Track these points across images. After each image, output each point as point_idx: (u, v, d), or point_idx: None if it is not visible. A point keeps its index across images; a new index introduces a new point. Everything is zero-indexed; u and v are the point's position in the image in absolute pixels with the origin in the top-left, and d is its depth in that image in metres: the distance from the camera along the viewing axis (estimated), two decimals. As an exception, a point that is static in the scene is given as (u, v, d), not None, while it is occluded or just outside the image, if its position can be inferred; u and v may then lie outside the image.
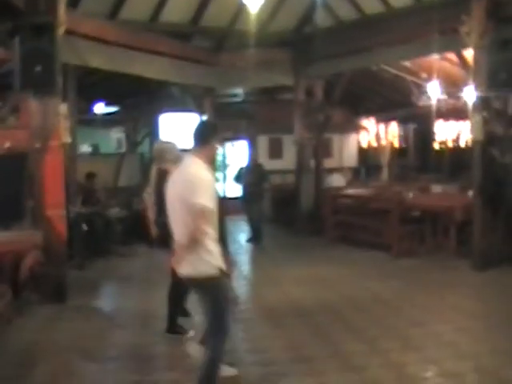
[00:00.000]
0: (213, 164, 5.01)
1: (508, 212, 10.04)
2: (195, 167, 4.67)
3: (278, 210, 16.11)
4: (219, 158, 18.36)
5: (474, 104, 10.05)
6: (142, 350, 6.34)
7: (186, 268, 4.67)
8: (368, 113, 19.26)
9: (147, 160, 14.60)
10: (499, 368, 5.61)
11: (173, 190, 4.76)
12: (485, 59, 9.51)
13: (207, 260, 4.59)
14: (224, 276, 4.71)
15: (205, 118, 14.74)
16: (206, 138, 4.81)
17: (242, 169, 14.28)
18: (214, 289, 4.69)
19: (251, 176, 13.57)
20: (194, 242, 4.53)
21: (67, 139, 9.28)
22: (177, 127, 17.14)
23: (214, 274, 4.60)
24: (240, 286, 9.71)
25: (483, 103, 9.77)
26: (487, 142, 9.84)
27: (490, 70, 9.39)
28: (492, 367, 5.65)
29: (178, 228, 4.70)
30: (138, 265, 11.17)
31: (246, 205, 13.97)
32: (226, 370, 5.26)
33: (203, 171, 4.65)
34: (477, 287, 9.11)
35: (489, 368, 5.64)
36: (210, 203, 4.51)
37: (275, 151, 18.08)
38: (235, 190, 17.79)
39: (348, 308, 7.93)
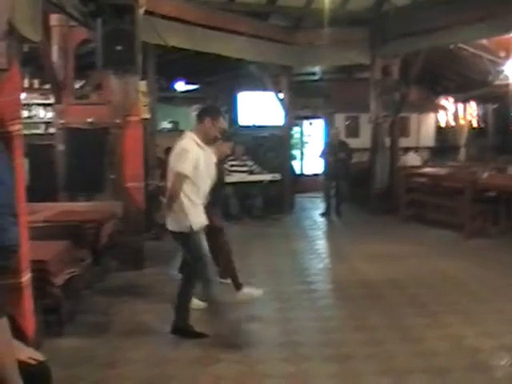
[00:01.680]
0: (211, 140, 5.83)
1: None
2: (186, 141, 5.61)
3: (353, 187, 16.24)
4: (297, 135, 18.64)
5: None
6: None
7: (168, 223, 5.66)
8: (446, 92, 19.06)
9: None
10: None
11: (170, 157, 5.69)
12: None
13: (181, 219, 5.49)
14: (198, 232, 5.56)
15: (282, 96, 14.98)
16: (201, 118, 5.71)
17: (326, 145, 14.74)
18: (188, 241, 5.60)
19: (336, 153, 13.98)
20: (170, 201, 5.50)
21: (146, 115, 9.71)
22: (254, 105, 17.45)
23: (187, 230, 5.50)
24: (310, 259, 10.02)
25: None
26: None
27: None
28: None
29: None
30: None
31: (327, 181, 14.37)
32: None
33: (192, 144, 5.55)
34: (547, 268, 9.07)
35: (546, 344, 5.73)
36: (189, 171, 5.42)
37: (352, 130, 18.18)
38: (313, 167, 18.04)
39: (414, 284, 8.07)
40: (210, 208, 6.11)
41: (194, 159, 5.47)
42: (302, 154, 19.31)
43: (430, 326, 6.28)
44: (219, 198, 7.80)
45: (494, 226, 11.31)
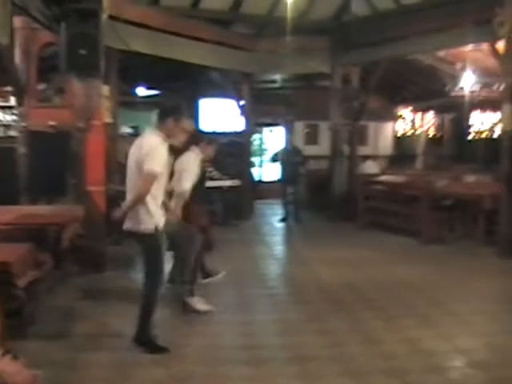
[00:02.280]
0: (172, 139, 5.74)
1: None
2: (153, 139, 5.50)
3: (312, 194, 16.43)
4: (257, 142, 18.78)
5: (504, 94, 10.24)
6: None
7: (128, 223, 5.54)
8: (404, 101, 19.40)
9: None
10: (508, 347, 5.89)
11: (132, 156, 5.59)
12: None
13: (145, 219, 5.42)
14: (160, 233, 5.50)
15: (242, 103, 15.09)
16: (163, 117, 5.62)
17: (280, 151, 14.99)
18: (149, 243, 5.51)
19: (289, 158, 14.24)
20: (139, 201, 5.38)
21: (109, 119, 9.71)
22: (215, 112, 17.51)
23: (150, 231, 5.43)
24: (270, 264, 10.15)
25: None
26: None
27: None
28: (503, 346, 5.93)
29: (130, 189, 5.57)
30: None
31: (284, 187, 14.61)
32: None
33: (159, 142, 5.47)
34: (500, 274, 9.31)
35: (499, 346, 5.92)
36: (160, 170, 5.38)
37: (311, 137, 18.38)
38: (271, 174, 18.20)
39: (372, 289, 8.23)
40: (197, 207, 6.50)
41: (162, 157, 5.44)
42: (261, 161, 19.44)
43: (388, 329, 6.43)
44: (204, 198, 8.04)
45: (449, 233, 11.57)
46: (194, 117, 17.03)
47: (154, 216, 5.45)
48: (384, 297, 7.78)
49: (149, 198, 5.41)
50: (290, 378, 5.11)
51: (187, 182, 6.95)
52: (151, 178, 5.35)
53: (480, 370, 5.29)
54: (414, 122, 20.05)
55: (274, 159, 14.89)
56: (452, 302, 7.52)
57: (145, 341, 5.62)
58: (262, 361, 5.50)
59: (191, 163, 7.24)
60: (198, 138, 7.20)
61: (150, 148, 5.39)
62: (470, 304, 7.45)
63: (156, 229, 5.46)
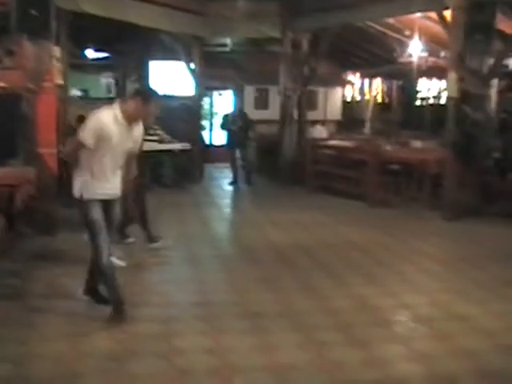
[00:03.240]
0: (136, 119, 5.48)
1: (478, 166, 10.59)
2: (102, 111, 5.36)
3: (262, 159, 16.59)
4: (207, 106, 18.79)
5: (450, 62, 10.51)
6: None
7: None
8: (353, 67, 19.61)
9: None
10: (450, 303, 6.19)
11: None
12: (462, 20, 9.96)
13: (75, 184, 5.47)
14: (89, 202, 5.43)
15: (192, 67, 15.09)
16: (133, 95, 5.48)
17: (226, 116, 15.01)
18: (78, 208, 5.52)
19: (237, 123, 14.34)
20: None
21: (60, 81, 9.65)
22: (165, 75, 17.43)
23: (77, 197, 5.46)
24: (220, 226, 10.33)
25: (459, 62, 10.21)
26: (461, 99, 10.30)
27: (467, 30, 9.88)
28: (444, 302, 6.23)
29: None
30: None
31: (231, 151, 14.73)
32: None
33: (106, 117, 5.32)
34: (444, 236, 9.65)
35: (441, 303, 6.22)
36: (88, 140, 5.25)
37: (261, 102, 18.49)
38: (221, 138, 18.28)
39: (320, 248, 8.49)
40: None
41: (100, 131, 5.26)
42: (211, 124, 19.47)
43: (336, 287, 6.68)
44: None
45: (396, 197, 11.87)
46: (144, 79, 16.96)
47: (81, 185, 5.42)
48: (332, 257, 8.03)
49: (82, 167, 5.41)
50: (240, 333, 5.29)
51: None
52: (76, 144, 5.35)
53: (423, 324, 5.58)
54: (362, 88, 20.31)
55: (223, 126, 14.96)
56: (398, 262, 7.82)
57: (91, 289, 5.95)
58: (213, 317, 5.68)
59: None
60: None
61: (91, 118, 5.32)
62: (414, 264, 7.76)
63: (81, 197, 5.42)
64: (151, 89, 5.91)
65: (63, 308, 5.83)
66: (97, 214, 5.48)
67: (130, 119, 5.41)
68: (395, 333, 5.42)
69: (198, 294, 6.41)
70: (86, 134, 5.26)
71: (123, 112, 5.38)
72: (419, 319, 5.71)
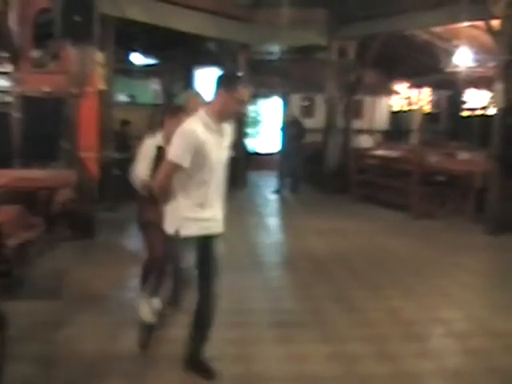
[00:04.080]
0: (229, 117, 4.48)
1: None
2: (190, 120, 4.31)
3: (307, 167, 16.53)
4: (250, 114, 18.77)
5: (498, 72, 10.29)
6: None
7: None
8: (401, 77, 19.39)
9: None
10: (487, 319, 6.02)
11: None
12: (510, 29, 9.77)
13: (167, 219, 4.43)
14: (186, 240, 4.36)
15: (239, 73, 15.10)
16: (217, 90, 4.38)
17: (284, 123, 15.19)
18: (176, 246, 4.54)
19: (291, 130, 14.42)
20: (158, 194, 4.37)
21: (103, 86, 9.76)
22: (211, 82, 17.49)
23: (171, 234, 4.39)
24: (262, 233, 10.31)
25: (506, 72, 10.00)
26: (508, 110, 10.08)
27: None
28: (481, 317, 6.07)
29: None
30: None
31: (283, 158, 14.77)
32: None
33: (194, 125, 4.24)
34: (486, 250, 9.44)
35: (478, 318, 6.05)
36: (183, 159, 4.16)
37: (307, 110, 18.44)
38: (267, 146, 18.29)
39: (360, 258, 8.40)
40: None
41: (194, 143, 4.16)
42: (257, 132, 19.49)
43: (371, 298, 6.57)
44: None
45: (439, 208, 11.67)
46: (191, 86, 17.07)
47: (178, 220, 4.34)
48: (371, 267, 7.92)
49: (177, 195, 4.33)
50: (271, 342, 5.26)
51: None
52: (168, 166, 4.23)
53: (457, 340, 5.44)
54: (409, 98, 20.08)
55: (282, 129, 15.16)
56: (436, 275, 7.65)
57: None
58: (247, 324, 5.66)
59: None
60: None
61: (179, 131, 4.24)
62: (452, 278, 7.58)
63: (177, 234, 4.33)
64: (232, 73, 5.10)
65: (96, 310, 5.87)
66: (204, 251, 4.43)
67: (220, 120, 4.37)
68: (428, 348, 5.28)
69: (235, 302, 6.37)
70: (179, 152, 4.16)
71: (211, 114, 4.32)
72: (454, 334, 5.57)
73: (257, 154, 18.85)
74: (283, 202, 14.09)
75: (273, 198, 14.42)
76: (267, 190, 15.15)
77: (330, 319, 5.88)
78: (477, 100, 17.62)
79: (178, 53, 16.23)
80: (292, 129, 14.72)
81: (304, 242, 9.50)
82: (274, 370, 4.72)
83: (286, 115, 16.44)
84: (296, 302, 6.39)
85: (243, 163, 15.28)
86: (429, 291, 6.91)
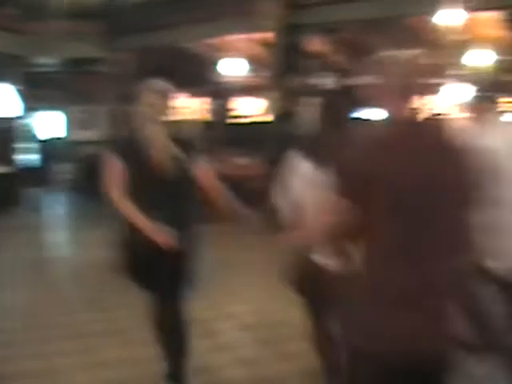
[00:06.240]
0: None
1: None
2: None
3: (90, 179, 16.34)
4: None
5: (270, 82, 11.02)
6: None
7: None
8: (180, 87, 19.78)
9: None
10: (271, 311, 6.49)
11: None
12: (280, 41, 10.52)
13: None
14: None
15: (15, 87, 14.65)
16: None
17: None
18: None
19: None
20: None
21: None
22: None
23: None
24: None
25: (280, 82, 10.71)
26: (282, 117, 10.79)
27: (284, 51, 10.46)
28: (267, 310, 6.54)
29: None
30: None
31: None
32: None
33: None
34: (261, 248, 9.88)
35: (264, 310, 6.54)
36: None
37: (87, 122, 18.23)
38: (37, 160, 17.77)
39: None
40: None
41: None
42: (31, 147, 18.83)
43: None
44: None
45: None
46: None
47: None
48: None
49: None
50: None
51: None
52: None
53: (248, 332, 5.84)
54: (186, 107, 20.57)
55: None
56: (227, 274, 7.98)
57: None
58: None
59: None
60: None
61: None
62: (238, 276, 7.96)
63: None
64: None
65: None
66: None
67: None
68: (221, 343, 5.60)
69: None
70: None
71: None
72: (244, 327, 5.96)
73: (30, 168, 18.19)
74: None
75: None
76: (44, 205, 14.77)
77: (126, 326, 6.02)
78: (251, 108, 18.48)
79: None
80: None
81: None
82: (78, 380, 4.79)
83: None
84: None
85: (16, 179, 14.72)
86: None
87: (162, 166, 4.01)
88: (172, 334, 4.32)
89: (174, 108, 4.26)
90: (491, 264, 3.18)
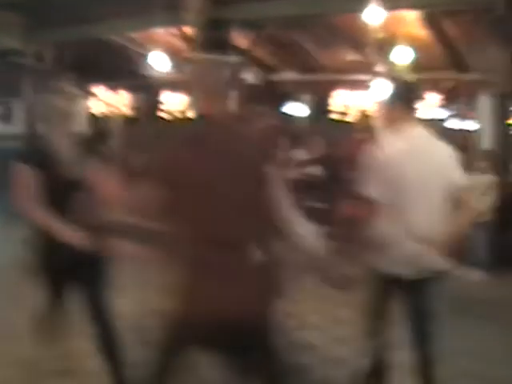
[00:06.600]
0: None
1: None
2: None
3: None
4: None
5: (191, 79, 10.98)
6: None
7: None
8: (98, 80, 19.47)
9: None
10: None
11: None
12: (200, 36, 10.51)
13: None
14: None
15: None
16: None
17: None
18: None
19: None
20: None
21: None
22: None
23: None
24: None
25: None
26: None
27: (205, 46, 10.45)
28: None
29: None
30: None
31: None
32: None
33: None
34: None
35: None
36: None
37: (4, 115, 17.76)
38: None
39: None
40: None
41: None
42: None
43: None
44: None
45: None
46: None
47: None
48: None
49: None
50: None
51: None
52: None
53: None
54: (108, 101, 20.24)
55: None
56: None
57: None
58: None
59: None
60: None
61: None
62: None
63: None
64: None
65: None
66: None
67: None
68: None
69: None
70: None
71: None
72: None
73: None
74: None
75: None
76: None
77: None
78: (175, 103, 18.33)
79: None
80: None
81: None
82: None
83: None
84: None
85: None
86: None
87: (67, 169, 4.12)
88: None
89: (85, 110, 4.40)
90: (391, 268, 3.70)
